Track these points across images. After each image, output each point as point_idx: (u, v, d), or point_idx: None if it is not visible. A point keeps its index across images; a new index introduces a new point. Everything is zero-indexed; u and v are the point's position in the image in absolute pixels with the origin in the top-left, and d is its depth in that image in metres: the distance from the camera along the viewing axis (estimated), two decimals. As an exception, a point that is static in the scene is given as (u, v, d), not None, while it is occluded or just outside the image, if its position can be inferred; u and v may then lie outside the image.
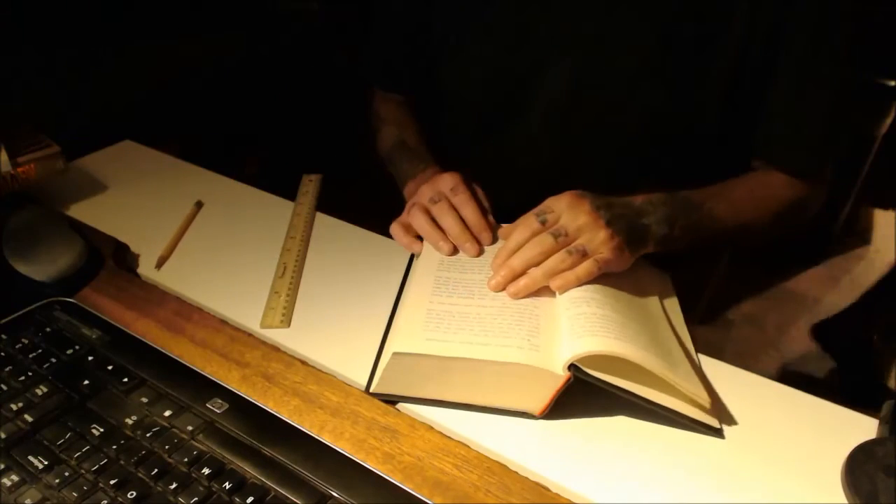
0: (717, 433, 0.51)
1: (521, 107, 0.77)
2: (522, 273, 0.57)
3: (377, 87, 0.93)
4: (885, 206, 2.05)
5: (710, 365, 0.58)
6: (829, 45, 0.68)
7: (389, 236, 0.74)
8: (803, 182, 0.75)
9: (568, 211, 0.58)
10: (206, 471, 0.45)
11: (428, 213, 0.66)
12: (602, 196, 0.61)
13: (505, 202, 0.80)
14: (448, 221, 0.65)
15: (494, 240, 0.65)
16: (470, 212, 0.65)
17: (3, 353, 0.55)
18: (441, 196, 0.66)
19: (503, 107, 0.78)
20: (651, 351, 0.51)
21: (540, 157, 0.78)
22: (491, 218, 0.67)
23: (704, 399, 0.51)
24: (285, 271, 0.66)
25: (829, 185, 0.78)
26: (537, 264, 0.57)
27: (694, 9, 0.67)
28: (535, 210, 0.60)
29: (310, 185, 0.83)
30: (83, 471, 0.46)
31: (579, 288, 0.56)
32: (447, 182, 0.67)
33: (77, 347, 0.56)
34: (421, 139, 0.84)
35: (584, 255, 0.57)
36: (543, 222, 0.59)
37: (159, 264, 0.68)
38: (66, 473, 0.45)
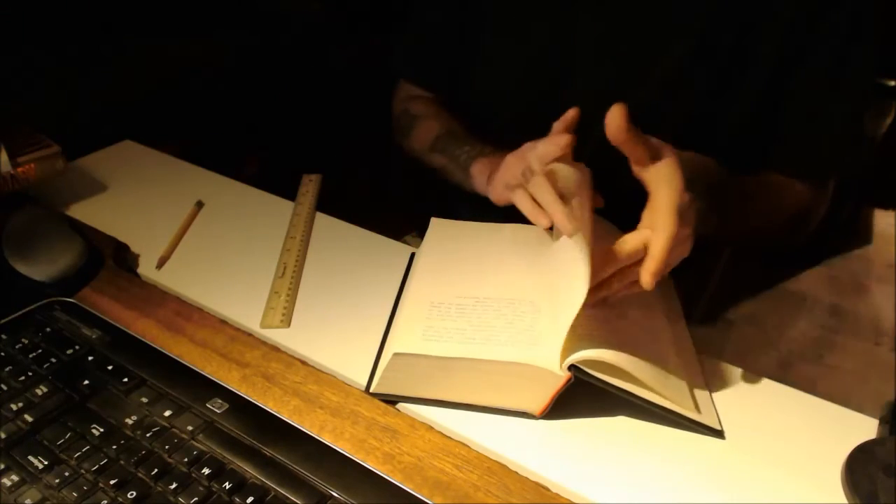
0: (719, 434, 0.51)
1: (550, 112, 0.77)
2: None
3: (412, 81, 0.90)
4: (885, 206, 2.05)
5: (710, 365, 0.58)
6: (853, 64, 0.69)
7: (389, 236, 0.74)
8: (812, 192, 0.75)
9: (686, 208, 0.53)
10: (206, 471, 0.45)
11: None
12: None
13: None
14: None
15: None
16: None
17: (3, 353, 0.55)
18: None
19: (532, 111, 0.78)
20: (645, 360, 0.51)
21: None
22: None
23: (691, 412, 0.51)
24: (285, 271, 0.66)
25: (827, 199, 0.79)
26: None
27: (731, 21, 0.68)
28: (680, 206, 0.52)
29: (310, 185, 0.83)
30: (83, 471, 0.46)
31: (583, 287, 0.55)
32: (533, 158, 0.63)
33: (77, 347, 0.56)
34: (466, 128, 0.81)
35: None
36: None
37: (159, 264, 0.68)
38: (66, 473, 0.45)
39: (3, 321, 0.58)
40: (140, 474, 0.45)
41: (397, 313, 0.60)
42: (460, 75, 0.83)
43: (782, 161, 0.74)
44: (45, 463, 0.46)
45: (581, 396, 0.51)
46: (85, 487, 0.44)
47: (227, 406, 0.51)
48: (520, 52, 0.76)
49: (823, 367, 1.65)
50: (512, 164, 0.63)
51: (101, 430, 0.48)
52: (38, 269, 0.63)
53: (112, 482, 0.45)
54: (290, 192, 0.81)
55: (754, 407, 0.54)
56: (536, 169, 0.60)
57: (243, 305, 0.63)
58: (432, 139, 0.81)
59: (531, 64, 0.76)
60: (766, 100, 0.71)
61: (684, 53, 0.69)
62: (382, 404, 0.52)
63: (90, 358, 0.55)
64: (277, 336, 0.59)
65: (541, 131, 0.78)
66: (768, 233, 0.75)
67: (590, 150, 0.76)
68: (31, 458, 0.46)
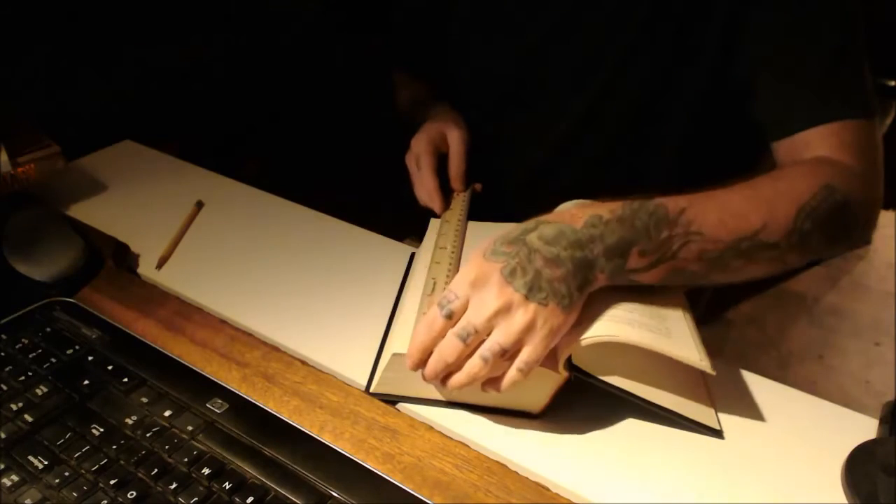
0: (717, 434, 0.51)
1: (527, 94, 0.77)
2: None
3: (399, 71, 0.95)
4: (886, 206, 2.05)
5: (710, 365, 0.58)
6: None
7: (389, 236, 0.74)
8: (835, 172, 0.58)
9: (474, 296, 0.47)
10: (206, 471, 0.45)
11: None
12: (521, 233, 0.48)
13: (508, 187, 0.81)
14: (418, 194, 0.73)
15: (446, 204, 0.72)
16: (421, 187, 0.72)
17: (3, 353, 0.55)
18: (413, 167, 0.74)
19: (504, 97, 0.79)
20: (641, 326, 0.49)
21: (543, 143, 0.78)
22: (456, 176, 0.74)
23: (706, 365, 0.48)
24: (434, 287, 0.57)
25: (875, 175, 0.62)
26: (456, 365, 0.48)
27: None
28: (439, 299, 0.48)
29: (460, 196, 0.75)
30: (83, 471, 0.46)
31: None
32: (413, 155, 0.74)
33: (77, 347, 0.56)
34: (428, 91, 0.88)
35: (501, 353, 0.46)
36: (449, 316, 0.47)
37: (159, 264, 0.68)
38: (66, 473, 0.45)
39: (3, 321, 0.58)
40: (140, 474, 0.45)
41: (397, 313, 0.60)
42: (442, 63, 0.84)
43: (778, 120, 0.64)
44: (45, 463, 0.46)
45: (581, 396, 0.51)
46: (85, 487, 0.44)
47: (227, 406, 0.51)
48: (492, 38, 0.77)
49: (823, 367, 1.65)
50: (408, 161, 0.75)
51: (101, 430, 0.48)
52: (38, 269, 0.63)
53: (112, 482, 0.45)
54: (289, 192, 0.81)
55: (754, 407, 0.54)
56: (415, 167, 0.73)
57: (243, 305, 0.63)
58: (406, 109, 0.89)
59: (499, 54, 0.77)
60: (732, 63, 0.66)
61: (644, 19, 0.67)
62: (382, 404, 0.52)
63: (90, 358, 0.55)
64: (277, 336, 0.59)
65: (521, 113, 0.78)
66: (792, 240, 0.54)
67: (563, 127, 0.76)
68: (31, 458, 0.46)
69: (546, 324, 0.46)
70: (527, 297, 0.46)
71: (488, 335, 0.46)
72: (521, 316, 0.46)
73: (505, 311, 0.46)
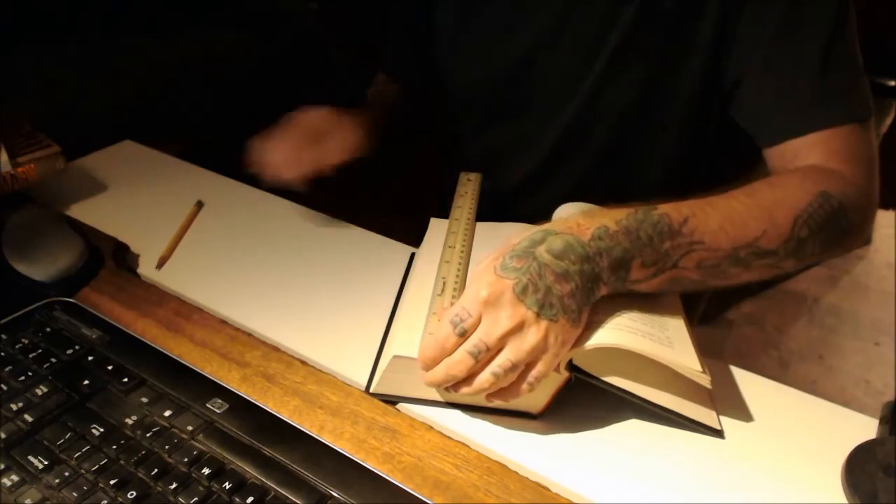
0: (718, 434, 0.51)
1: (518, 95, 0.77)
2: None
3: (391, 76, 0.95)
4: (886, 206, 2.05)
5: (710, 365, 0.58)
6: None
7: (389, 236, 0.74)
8: (829, 180, 0.58)
9: (486, 314, 0.46)
10: (206, 471, 0.45)
11: None
12: (529, 245, 0.48)
13: (505, 190, 0.80)
14: None
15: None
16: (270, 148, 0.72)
17: (3, 353, 0.55)
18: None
19: (496, 103, 0.79)
20: (644, 335, 0.50)
21: (541, 144, 0.78)
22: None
23: (690, 411, 0.51)
24: (444, 288, 0.57)
25: (867, 177, 0.61)
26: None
27: None
28: (451, 315, 0.47)
29: (469, 186, 0.73)
30: (83, 471, 0.46)
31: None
32: (289, 116, 0.75)
33: (77, 347, 0.56)
34: (394, 97, 0.92)
35: (512, 369, 0.46)
36: (462, 334, 0.47)
37: (160, 264, 0.68)
38: (66, 473, 0.45)
39: (3, 321, 0.58)
40: (140, 474, 0.45)
41: (397, 314, 0.60)
42: (432, 67, 0.85)
43: (759, 135, 0.65)
44: (45, 463, 0.46)
45: (581, 396, 0.51)
46: (85, 487, 0.44)
47: (227, 406, 0.51)
48: (481, 45, 0.77)
49: (823, 366, 1.65)
50: None
51: (101, 430, 0.48)
52: (38, 269, 0.63)
53: (112, 482, 0.45)
54: (289, 191, 0.81)
55: (754, 407, 0.54)
56: None
57: (243, 305, 0.63)
58: (370, 97, 0.92)
59: (491, 58, 0.76)
60: (718, 60, 0.66)
61: (632, 18, 0.67)
62: (382, 404, 0.52)
63: (90, 358, 0.55)
64: (277, 336, 0.59)
65: (514, 119, 0.78)
66: (789, 246, 0.54)
67: (557, 132, 0.76)
68: (31, 458, 0.46)
69: (557, 340, 0.46)
70: (538, 315, 0.46)
71: (499, 352, 0.47)
72: (533, 334, 0.46)
73: (518, 329, 0.46)
